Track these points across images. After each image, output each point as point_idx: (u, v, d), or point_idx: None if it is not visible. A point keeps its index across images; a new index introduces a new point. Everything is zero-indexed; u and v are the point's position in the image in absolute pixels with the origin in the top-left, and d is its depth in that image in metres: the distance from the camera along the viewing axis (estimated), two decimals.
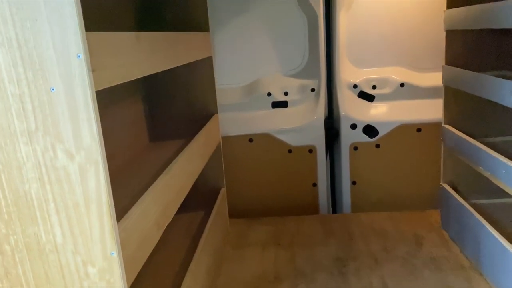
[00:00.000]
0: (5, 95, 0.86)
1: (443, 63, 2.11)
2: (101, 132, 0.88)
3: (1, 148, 0.88)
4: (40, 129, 0.87)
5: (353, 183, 2.63)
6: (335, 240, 2.24)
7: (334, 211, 2.75)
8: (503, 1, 1.52)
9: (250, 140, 2.58)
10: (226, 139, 2.43)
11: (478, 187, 2.14)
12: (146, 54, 1.26)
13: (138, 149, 1.99)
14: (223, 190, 2.35)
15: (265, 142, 2.58)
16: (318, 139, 2.57)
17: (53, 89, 0.85)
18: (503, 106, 1.61)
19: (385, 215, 2.47)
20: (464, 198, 2.03)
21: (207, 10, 2.12)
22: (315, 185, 2.64)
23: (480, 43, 2.03)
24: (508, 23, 1.53)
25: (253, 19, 2.54)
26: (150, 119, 2.17)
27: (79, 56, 0.83)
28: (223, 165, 2.35)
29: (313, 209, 2.66)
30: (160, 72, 1.40)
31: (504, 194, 2.04)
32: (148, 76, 1.27)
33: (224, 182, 2.37)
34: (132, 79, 1.12)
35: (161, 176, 1.34)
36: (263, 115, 2.62)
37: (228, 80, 2.59)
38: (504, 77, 1.75)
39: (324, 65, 2.54)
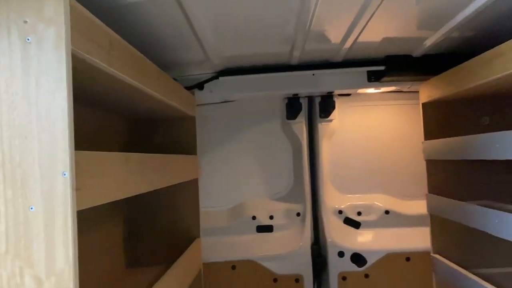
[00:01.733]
0: None
1: (426, 191, 2.15)
2: (77, 257, 0.81)
3: None
4: (10, 252, 0.79)
5: None
6: None
7: None
8: (481, 134, 1.61)
9: (233, 267, 2.44)
10: (207, 265, 2.29)
11: None
12: (133, 175, 1.24)
13: (113, 277, 1.84)
14: None
15: (249, 269, 2.44)
16: (305, 268, 2.45)
17: (31, 208, 0.80)
18: (492, 236, 1.59)
19: None
20: None
21: (195, 134, 2.19)
22: None
23: (460, 172, 2.09)
24: (483, 155, 1.60)
25: (239, 144, 2.62)
26: (128, 242, 2.06)
27: (64, 174, 0.80)
28: None
29: None
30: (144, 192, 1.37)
31: None
32: (132, 196, 1.24)
33: None
34: (117, 199, 1.08)
35: None
36: (247, 240, 2.53)
37: (212, 203, 2.55)
38: (487, 206, 1.77)
39: (309, 190, 2.55)
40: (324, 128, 2.58)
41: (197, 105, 2.24)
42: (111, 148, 1.88)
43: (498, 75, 1.43)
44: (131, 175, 1.23)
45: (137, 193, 1.25)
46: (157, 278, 1.53)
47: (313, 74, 2.22)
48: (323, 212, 2.54)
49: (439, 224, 2.09)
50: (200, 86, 2.22)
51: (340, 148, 2.62)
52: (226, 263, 2.44)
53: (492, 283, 1.63)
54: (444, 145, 1.96)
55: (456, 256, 2.00)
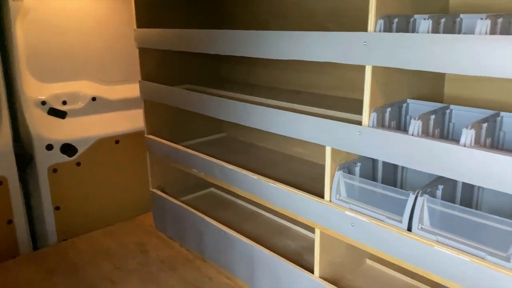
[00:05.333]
0: None
1: (137, 77, 2.25)
2: None
3: None
4: None
5: (57, 208, 2.40)
6: (60, 278, 2.01)
7: (36, 247, 2.41)
8: (201, 30, 1.81)
9: None
10: None
11: (182, 185, 2.45)
12: None
13: None
14: None
15: None
16: (8, 168, 2.18)
17: None
18: (193, 114, 1.95)
19: (101, 233, 2.41)
20: (173, 198, 2.27)
21: None
22: (10, 222, 2.24)
23: (169, 60, 2.29)
24: (191, 48, 1.87)
25: None
26: None
27: None
28: None
29: (12, 251, 2.25)
30: None
31: (203, 186, 2.46)
32: None
33: None
34: None
35: None
36: None
37: None
38: (189, 89, 2.10)
39: (2, 81, 2.15)
40: (16, 5, 2.13)
41: None
42: None
43: None
44: None
45: None
46: None
47: None
48: (23, 105, 2.24)
49: (151, 108, 2.28)
50: None
51: (38, 31, 2.27)
52: None
53: (192, 149, 2.04)
54: (157, 35, 2.07)
55: (167, 134, 2.28)
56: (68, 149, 2.38)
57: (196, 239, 2.13)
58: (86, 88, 2.50)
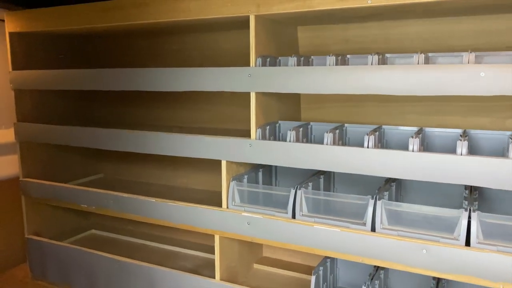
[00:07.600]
0: None
1: (13, 120, 2.20)
2: None
3: None
4: None
5: None
6: None
7: None
8: (66, 69, 1.97)
9: None
10: None
11: (60, 229, 2.39)
12: None
13: None
14: None
15: None
16: None
17: None
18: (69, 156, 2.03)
19: None
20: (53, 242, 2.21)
21: None
22: None
23: (46, 99, 2.31)
24: (63, 86, 2.02)
25: None
26: None
27: None
28: None
29: None
30: None
31: (84, 229, 2.45)
32: None
33: None
34: None
35: None
36: None
37: None
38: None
39: None
40: None
41: None
42: None
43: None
44: None
45: None
46: None
47: None
48: None
49: (28, 150, 2.23)
50: None
51: None
52: None
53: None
54: (32, 76, 2.11)
55: (42, 179, 2.23)
56: None
57: (85, 278, 2.11)
58: None
